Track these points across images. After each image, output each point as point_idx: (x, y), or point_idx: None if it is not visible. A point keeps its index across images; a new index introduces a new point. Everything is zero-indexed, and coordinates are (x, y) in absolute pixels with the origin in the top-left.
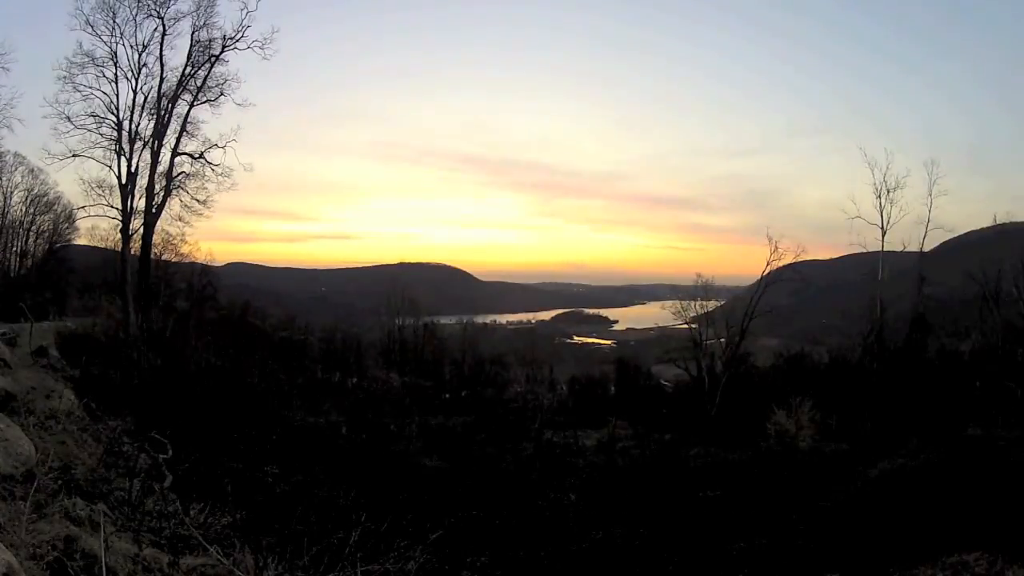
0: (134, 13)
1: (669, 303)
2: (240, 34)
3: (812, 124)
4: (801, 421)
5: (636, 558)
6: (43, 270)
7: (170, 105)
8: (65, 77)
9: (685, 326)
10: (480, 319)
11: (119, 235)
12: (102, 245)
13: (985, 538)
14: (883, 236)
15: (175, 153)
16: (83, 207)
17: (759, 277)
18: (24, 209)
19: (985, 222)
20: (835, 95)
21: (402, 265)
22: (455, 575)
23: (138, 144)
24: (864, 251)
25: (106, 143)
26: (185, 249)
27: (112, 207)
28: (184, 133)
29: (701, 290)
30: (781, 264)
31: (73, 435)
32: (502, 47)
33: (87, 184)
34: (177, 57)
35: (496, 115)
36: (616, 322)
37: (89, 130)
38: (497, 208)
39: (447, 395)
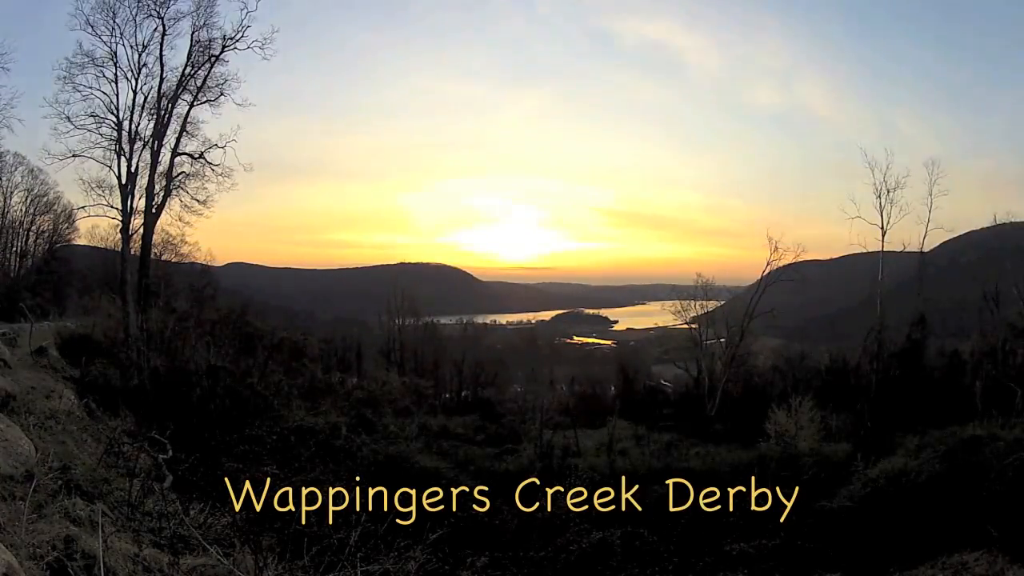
0: (134, 13)
1: (669, 303)
2: (240, 34)
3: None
4: (801, 421)
5: (636, 558)
6: (43, 270)
7: (170, 105)
8: (65, 77)
9: (685, 326)
10: (480, 319)
11: (119, 235)
12: (102, 245)
13: (985, 538)
14: (883, 236)
15: (175, 153)
16: (83, 207)
17: (759, 277)
18: (24, 209)
19: (985, 222)
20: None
21: (402, 265)
22: (455, 575)
23: (138, 144)
24: (864, 251)
25: (106, 143)
26: (185, 249)
27: (112, 207)
28: (184, 133)
29: (701, 290)
30: (781, 264)
31: (73, 435)
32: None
33: (87, 184)
34: (177, 57)
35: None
36: (616, 322)
37: (89, 130)
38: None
39: (447, 395)
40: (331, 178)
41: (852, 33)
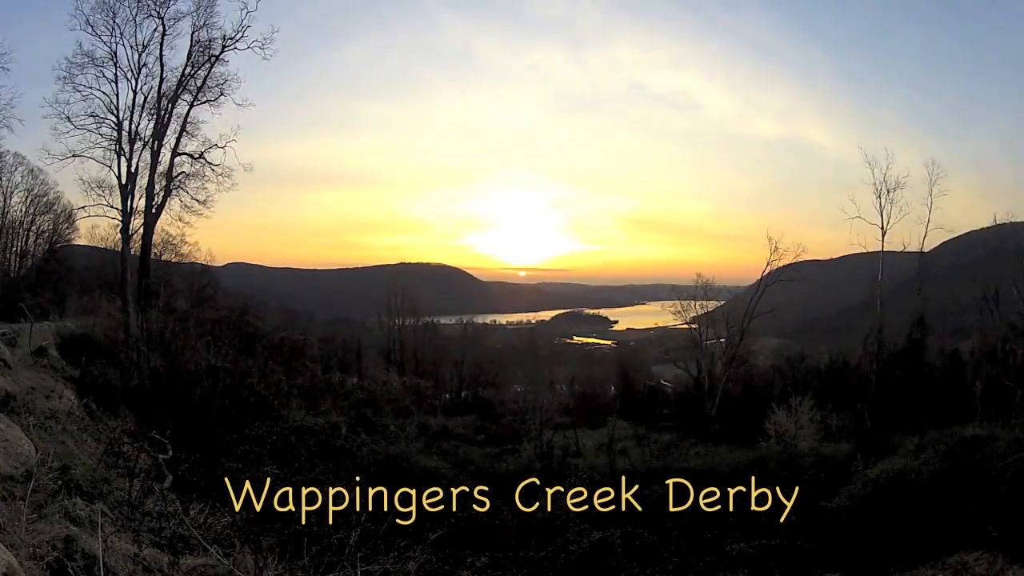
0: (134, 13)
1: (669, 303)
2: (240, 34)
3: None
4: (801, 421)
5: (636, 558)
6: (43, 270)
7: (170, 105)
8: (65, 77)
9: (685, 326)
10: (480, 319)
11: (119, 235)
12: (102, 245)
13: (985, 538)
14: (883, 236)
15: (175, 153)
16: (83, 207)
17: (759, 277)
18: (24, 209)
19: (985, 222)
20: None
21: (402, 265)
22: (455, 575)
23: (138, 144)
24: (864, 251)
25: (106, 143)
26: (185, 249)
27: (112, 207)
28: (184, 133)
29: (701, 290)
30: (781, 264)
31: (73, 435)
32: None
33: (87, 184)
34: (177, 57)
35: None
36: (616, 322)
37: (89, 130)
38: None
39: (447, 395)
40: (347, 183)
41: (845, 69)
